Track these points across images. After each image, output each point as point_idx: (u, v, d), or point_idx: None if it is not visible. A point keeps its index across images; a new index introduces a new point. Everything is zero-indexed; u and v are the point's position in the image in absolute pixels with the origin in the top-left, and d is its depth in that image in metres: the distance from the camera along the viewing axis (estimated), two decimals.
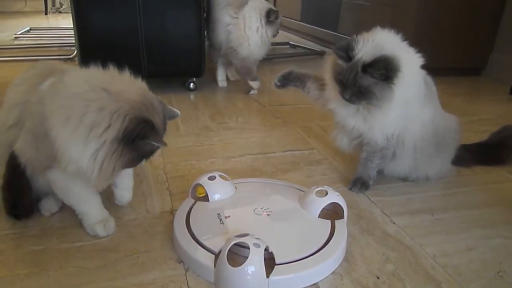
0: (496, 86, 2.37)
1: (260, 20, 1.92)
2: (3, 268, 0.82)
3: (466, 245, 0.94)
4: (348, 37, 1.05)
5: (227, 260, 0.76)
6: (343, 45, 1.02)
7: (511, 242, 0.96)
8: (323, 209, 0.95)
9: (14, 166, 0.89)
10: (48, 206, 0.99)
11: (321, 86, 1.16)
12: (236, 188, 1.04)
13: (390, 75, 0.98)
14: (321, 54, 3.02)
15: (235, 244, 0.78)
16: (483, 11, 2.35)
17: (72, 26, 1.89)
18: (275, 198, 1.03)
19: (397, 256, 0.89)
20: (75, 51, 2.14)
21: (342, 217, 0.95)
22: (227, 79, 2.25)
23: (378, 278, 0.83)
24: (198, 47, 1.95)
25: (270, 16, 1.92)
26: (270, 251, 0.79)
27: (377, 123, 1.07)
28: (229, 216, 0.93)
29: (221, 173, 1.03)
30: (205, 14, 2.00)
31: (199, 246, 0.83)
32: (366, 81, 0.99)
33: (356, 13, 2.88)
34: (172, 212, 1.02)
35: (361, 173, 1.17)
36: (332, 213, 0.95)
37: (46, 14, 4.84)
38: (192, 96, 2.03)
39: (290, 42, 3.34)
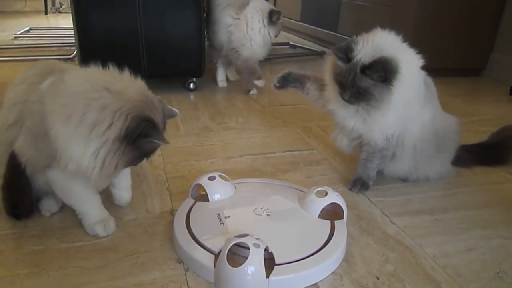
0: (496, 86, 2.37)
1: (263, 20, 1.92)
2: (3, 268, 0.82)
3: (465, 246, 0.94)
4: (348, 38, 1.05)
5: (227, 260, 0.76)
6: (343, 46, 1.02)
7: (511, 242, 0.96)
8: (323, 209, 0.95)
9: (14, 166, 0.89)
10: (48, 206, 0.99)
11: (321, 86, 1.16)
12: (236, 188, 1.04)
13: (388, 77, 0.98)
14: (321, 54, 3.02)
15: (235, 244, 0.78)
16: (483, 12, 2.35)
17: (72, 26, 1.89)
18: (275, 198, 1.03)
19: (396, 256, 0.90)
20: (75, 51, 2.14)
21: (342, 217, 0.95)
22: (227, 79, 2.25)
23: (377, 278, 0.83)
24: (198, 47, 1.95)
25: (273, 17, 1.92)
26: (270, 251, 0.79)
27: (376, 124, 1.07)
28: (229, 216, 0.93)
29: (221, 173, 1.03)
30: (205, 15, 2.00)
31: (199, 246, 0.83)
32: (365, 82, 0.99)
33: (356, 14, 2.88)
34: (172, 212, 1.02)
35: (360, 174, 1.17)
36: (332, 213, 0.95)
37: (46, 14, 4.84)
38: (192, 96, 2.03)
39: (290, 43, 3.34)
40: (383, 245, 0.93)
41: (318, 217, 0.94)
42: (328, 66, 1.09)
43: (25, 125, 0.86)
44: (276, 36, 2.00)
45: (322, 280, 0.82)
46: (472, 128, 1.62)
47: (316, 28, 3.46)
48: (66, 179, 0.87)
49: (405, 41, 1.05)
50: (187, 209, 0.95)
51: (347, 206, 0.97)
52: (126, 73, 0.85)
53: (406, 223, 1.02)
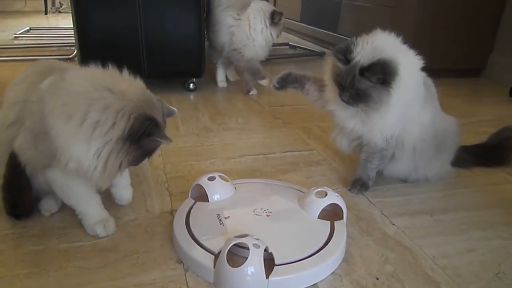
0: (495, 87, 2.37)
1: (265, 21, 1.92)
2: (3, 268, 0.82)
3: (465, 247, 0.94)
4: (348, 38, 1.05)
5: (227, 260, 0.76)
6: (342, 47, 1.02)
7: (511, 243, 0.96)
8: (322, 210, 0.95)
9: (14, 165, 0.89)
10: (47, 206, 0.99)
11: (320, 87, 1.16)
12: (235, 188, 1.04)
13: (387, 79, 0.98)
14: (321, 55, 3.02)
15: (234, 244, 0.78)
16: (482, 12, 2.36)
17: (72, 26, 1.89)
18: (275, 198, 1.03)
19: (396, 257, 0.90)
20: (75, 51, 2.14)
21: (342, 218, 0.95)
22: (227, 79, 2.25)
23: (377, 279, 0.83)
24: (198, 47, 1.95)
25: (275, 18, 1.93)
26: (269, 251, 0.79)
27: (376, 125, 1.07)
28: (228, 217, 0.93)
29: (220, 174, 1.03)
30: (204, 15, 2.00)
31: (198, 247, 0.84)
32: (364, 84, 0.99)
33: (356, 14, 2.89)
34: (172, 213, 1.02)
35: (360, 174, 1.17)
36: (331, 214, 0.96)
37: (46, 14, 4.84)
38: (192, 97, 2.03)
39: (290, 43, 3.34)
40: (383, 245, 0.93)
41: (318, 217, 0.94)
42: (328, 67, 1.10)
43: (25, 124, 0.86)
44: (277, 36, 2.01)
45: (321, 280, 0.82)
46: (472, 129, 1.62)
47: (316, 28, 3.46)
48: (66, 178, 0.88)
49: (405, 42, 1.05)
50: (187, 210, 0.96)
51: (346, 206, 0.97)
52: (126, 73, 0.85)
53: (405, 224, 1.02)
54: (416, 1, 2.29)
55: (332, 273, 0.84)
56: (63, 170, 0.83)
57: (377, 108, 1.02)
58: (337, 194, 0.98)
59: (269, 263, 0.78)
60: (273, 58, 2.72)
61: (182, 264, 0.85)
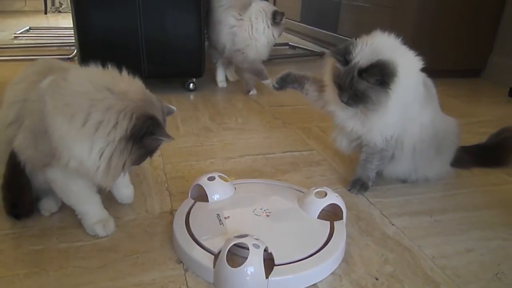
0: (495, 88, 2.38)
1: (266, 21, 1.93)
2: (2, 268, 0.82)
3: (464, 247, 0.94)
4: (348, 39, 1.05)
5: (227, 260, 0.76)
6: (341, 48, 1.02)
7: (510, 244, 0.96)
8: (322, 210, 0.95)
9: (14, 165, 0.90)
10: (47, 206, 0.99)
11: (320, 87, 1.16)
12: (235, 188, 1.04)
13: (386, 80, 0.98)
14: (321, 55, 3.02)
15: (234, 244, 0.78)
16: (482, 13, 2.36)
17: (71, 25, 1.89)
18: (275, 199, 1.03)
19: (396, 257, 0.90)
20: (75, 51, 2.14)
21: (341, 218, 0.95)
22: (227, 79, 2.25)
23: (377, 279, 0.83)
24: (198, 47, 1.95)
25: (276, 18, 1.93)
26: (269, 251, 0.79)
27: (375, 125, 1.07)
28: (228, 217, 0.93)
29: (220, 174, 1.03)
30: (204, 15, 2.00)
31: (198, 247, 0.84)
32: (362, 85, 0.99)
33: (355, 15, 2.89)
34: (172, 213, 1.02)
35: (360, 175, 1.17)
36: (331, 214, 0.96)
37: (45, 13, 4.84)
38: (192, 97, 2.03)
39: (290, 43, 3.35)
40: (382, 246, 0.93)
41: (318, 217, 0.94)
42: (327, 68, 1.10)
43: (25, 124, 0.86)
44: (279, 36, 2.01)
45: (321, 280, 0.82)
46: (471, 129, 1.62)
47: (316, 29, 3.46)
48: (65, 178, 0.88)
49: (404, 43, 1.05)
50: (186, 210, 0.96)
51: (346, 206, 0.97)
52: (125, 73, 0.85)
53: (405, 224, 1.02)
54: (416, 2, 2.30)
55: (332, 273, 0.84)
56: (63, 169, 0.83)
57: (375, 109, 1.02)
58: (336, 194, 0.98)
59: (269, 263, 0.78)
60: (273, 58, 2.72)
61: (182, 264, 0.85)
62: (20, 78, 0.93)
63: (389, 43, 1.03)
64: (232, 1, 1.95)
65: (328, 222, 0.93)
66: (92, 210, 0.93)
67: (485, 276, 0.85)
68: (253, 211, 0.95)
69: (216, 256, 0.79)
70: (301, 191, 1.05)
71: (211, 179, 1.01)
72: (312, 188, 1.00)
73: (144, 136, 0.79)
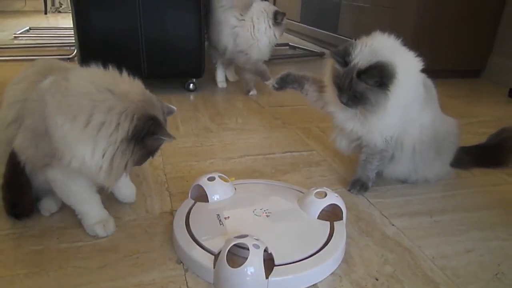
0: (495, 88, 2.38)
1: (268, 21, 1.93)
2: (3, 268, 0.82)
3: (464, 247, 0.94)
4: (348, 39, 1.05)
5: (227, 261, 0.76)
6: (340, 50, 1.02)
7: (509, 244, 0.96)
8: (322, 210, 0.95)
9: (14, 165, 0.90)
10: (47, 206, 0.99)
11: (320, 88, 1.16)
12: (235, 189, 1.04)
13: (385, 82, 0.98)
14: (321, 55, 3.02)
15: (234, 245, 0.78)
16: (482, 14, 2.36)
17: (71, 26, 1.89)
18: (275, 199, 1.04)
19: (395, 257, 0.90)
20: (75, 51, 2.15)
21: (341, 218, 0.95)
22: (227, 80, 2.25)
23: (377, 279, 0.83)
24: (198, 47, 1.95)
25: (278, 18, 1.93)
26: (269, 252, 0.79)
27: (375, 126, 1.07)
28: (228, 217, 0.93)
29: (220, 174, 1.03)
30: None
31: (198, 247, 0.84)
32: (361, 87, 0.99)
33: (355, 15, 2.89)
34: (172, 213, 1.02)
35: (360, 175, 1.17)
36: (331, 214, 0.96)
37: (45, 13, 4.84)
38: (191, 97, 2.03)
39: (290, 43, 3.35)
40: (382, 246, 0.93)
41: (318, 218, 0.94)
42: (327, 69, 1.10)
43: (25, 123, 0.86)
44: (280, 36, 2.01)
45: (321, 281, 0.82)
46: (471, 130, 1.62)
47: (316, 29, 3.46)
48: (65, 178, 0.88)
49: (404, 44, 1.05)
50: (186, 210, 0.96)
51: (346, 207, 0.98)
52: (125, 74, 0.86)
53: (405, 224, 1.02)
54: (416, 2, 2.30)
55: (332, 273, 0.84)
56: (64, 169, 0.84)
57: (374, 110, 1.02)
58: (336, 195, 0.98)
59: (269, 263, 0.78)
60: (273, 58, 2.70)
61: (182, 264, 0.85)
62: (20, 78, 0.93)
63: (389, 44, 1.03)
64: (234, 1, 1.95)
65: (328, 223, 0.93)
66: (92, 210, 0.93)
67: (485, 277, 0.85)
68: (253, 212, 0.95)
69: (216, 256, 0.80)
70: (301, 192, 1.05)
71: (211, 179, 1.01)
72: (312, 189, 1.00)
73: (145, 136, 0.80)
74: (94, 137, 0.77)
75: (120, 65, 0.86)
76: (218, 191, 1.00)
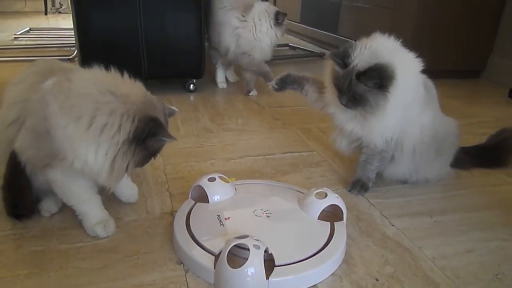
0: (495, 88, 2.38)
1: (270, 22, 1.93)
2: (3, 268, 0.82)
3: (464, 248, 0.94)
4: (348, 39, 1.05)
5: (227, 261, 0.76)
6: (340, 51, 1.02)
7: (510, 244, 0.96)
8: (322, 211, 0.95)
9: (14, 165, 0.90)
10: (47, 207, 1.00)
11: (320, 89, 1.17)
12: (235, 189, 1.04)
13: (384, 83, 0.98)
14: (321, 56, 3.03)
15: (235, 245, 0.78)
16: (482, 14, 2.36)
17: (72, 26, 1.89)
18: (275, 199, 1.04)
19: (396, 258, 0.90)
20: (75, 52, 2.15)
21: (342, 219, 0.95)
22: (227, 80, 2.25)
23: (377, 280, 0.83)
24: (198, 48, 1.96)
25: (279, 19, 1.94)
26: (269, 252, 0.79)
27: (374, 127, 1.07)
28: (229, 218, 0.93)
29: (221, 175, 1.03)
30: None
31: (199, 248, 0.84)
32: (360, 88, 0.99)
33: (355, 15, 2.89)
34: (172, 213, 1.03)
35: (360, 175, 1.17)
36: (331, 215, 0.96)
37: (46, 14, 4.84)
38: (192, 97, 2.03)
39: (290, 44, 3.35)
40: (383, 246, 0.94)
41: (318, 218, 0.94)
42: (327, 70, 1.10)
43: (26, 124, 0.86)
44: (281, 36, 2.02)
45: (321, 281, 0.82)
46: (471, 130, 1.62)
47: (316, 29, 3.47)
48: (66, 178, 0.88)
49: (404, 45, 1.05)
50: (187, 210, 0.96)
51: (346, 207, 0.98)
52: (126, 76, 0.86)
53: (405, 225, 1.02)
54: (416, 3, 2.30)
55: (332, 274, 0.84)
56: (65, 170, 0.84)
57: (373, 112, 1.02)
58: (337, 195, 0.98)
59: (269, 264, 0.78)
60: (273, 59, 2.69)
61: (182, 265, 0.85)
62: (20, 78, 0.93)
63: (388, 45, 1.03)
64: (235, 2, 1.95)
65: (329, 223, 0.93)
66: (92, 211, 0.94)
67: (485, 277, 0.85)
68: (254, 212, 0.95)
69: (217, 257, 0.80)
70: (301, 192, 1.05)
71: (212, 180, 1.01)
72: (312, 189, 1.00)
73: (146, 137, 0.80)
74: (97, 138, 0.78)
75: (120, 66, 0.87)
76: (219, 192, 1.00)
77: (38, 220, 0.98)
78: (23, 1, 5.21)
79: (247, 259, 0.75)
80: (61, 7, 5.32)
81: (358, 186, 1.16)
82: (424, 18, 2.31)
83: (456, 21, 2.35)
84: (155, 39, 1.87)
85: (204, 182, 1.01)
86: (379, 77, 0.97)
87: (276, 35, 1.97)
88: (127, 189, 1.05)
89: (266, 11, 1.94)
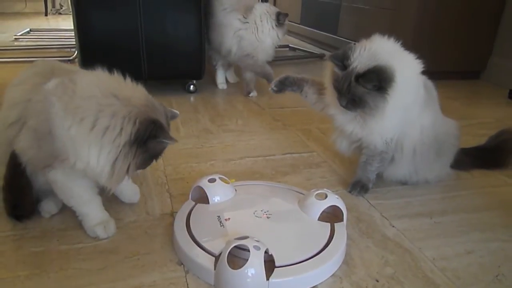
0: (494, 89, 2.38)
1: (271, 23, 1.94)
2: (3, 269, 0.82)
3: (464, 249, 0.94)
4: (347, 40, 1.05)
5: (227, 262, 0.76)
6: (339, 53, 1.02)
7: (510, 245, 0.96)
8: (322, 212, 0.95)
9: (15, 166, 0.90)
10: (47, 208, 1.00)
11: (319, 90, 1.17)
12: (236, 190, 1.04)
13: (383, 85, 0.98)
14: (321, 57, 3.03)
15: (235, 246, 0.78)
16: (482, 15, 2.36)
17: (72, 27, 1.89)
18: (275, 200, 1.04)
19: (396, 259, 0.90)
20: (76, 53, 2.15)
21: (342, 220, 0.95)
22: (227, 81, 2.26)
23: (377, 281, 0.83)
24: (198, 49, 1.96)
25: (280, 19, 1.94)
26: (270, 253, 0.79)
27: (374, 129, 1.07)
28: (229, 219, 0.93)
29: (221, 176, 1.03)
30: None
31: (199, 249, 0.84)
32: (360, 90, 1.00)
33: (355, 17, 2.89)
34: (172, 214, 1.03)
35: (360, 176, 1.17)
36: (331, 216, 0.96)
37: (46, 15, 4.85)
38: (192, 98, 2.03)
39: (290, 45, 3.35)
40: (383, 247, 0.94)
41: (318, 219, 0.94)
42: (327, 71, 1.10)
43: (28, 124, 0.87)
44: (283, 37, 2.03)
45: (322, 282, 0.82)
46: (471, 131, 1.62)
47: (316, 30, 3.47)
48: (66, 179, 0.88)
49: (404, 46, 1.05)
50: (187, 211, 0.96)
51: (346, 208, 0.98)
52: (128, 79, 0.87)
53: (405, 226, 1.02)
54: (416, 4, 2.30)
55: (332, 275, 0.84)
56: (66, 170, 0.85)
57: (373, 114, 1.02)
58: (337, 196, 0.98)
59: (270, 265, 0.78)
60: (273, 60, 2.71)
61: (182, 266, 0.85)
62: (20, 79, 0.93)
63: (388, 47, 1.03)
64: (235, 4, 1.95)
65: (329, 224, 0.93)
66: (92, 212, 0.94)
67: (485, 278, 0.85)
68: (254, 213, 0.95)
69: (217, 258, 0.80)
70: (301, 193, 1.05)
71: (212, 181, 1.01)
72: (312, 190, 1.00)
73: (147, 139, 0.81)
74: (99, 140, 0.79)
75: (120, 67, 0.87)
76: (219, 193, 1.01)
77: (38, 221, 0.98)
78: (23, 2, 5.21)
79: (248, 260, 0.75)
80: (61, 8, 5.32)
81: (358, 187, 1.16)
82: (424, 19, 2.31)
83: (456, 22, 2.35)
84: (155, 40, 1.88)
85: (204, 183, 1.01)
86: (378, 80, 0.97)
87: (278, 36, 1.98)
88: (128, 190, 1.05)
89: (267, 12, 1.95)
